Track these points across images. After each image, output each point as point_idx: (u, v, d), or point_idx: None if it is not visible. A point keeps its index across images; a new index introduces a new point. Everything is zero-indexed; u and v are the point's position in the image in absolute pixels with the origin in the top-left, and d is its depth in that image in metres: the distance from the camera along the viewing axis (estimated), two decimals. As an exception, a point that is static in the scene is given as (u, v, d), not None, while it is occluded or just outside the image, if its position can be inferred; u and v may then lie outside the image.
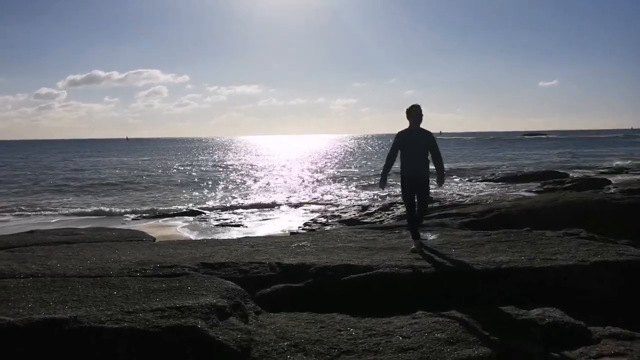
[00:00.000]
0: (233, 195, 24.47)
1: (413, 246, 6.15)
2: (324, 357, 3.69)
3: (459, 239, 6.86)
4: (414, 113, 6.28)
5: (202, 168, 45.47)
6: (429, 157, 6.36)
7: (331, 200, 21.85)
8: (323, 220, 14.82)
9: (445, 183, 6.59)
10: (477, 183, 26.84)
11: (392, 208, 14.53)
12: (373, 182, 28.78)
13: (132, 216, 17.85)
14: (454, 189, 24.00)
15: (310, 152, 77.97)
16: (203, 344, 3.59)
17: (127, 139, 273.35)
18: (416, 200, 6.41)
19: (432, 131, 6.43)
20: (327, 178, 32.98)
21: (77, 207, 20.44)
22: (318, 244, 6.76)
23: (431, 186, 6.48)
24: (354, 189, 26.59)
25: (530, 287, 5.04)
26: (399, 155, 6.38)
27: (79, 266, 5.37)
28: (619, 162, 37.11)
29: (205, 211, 18.42)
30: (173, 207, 19.67)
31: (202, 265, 5.49)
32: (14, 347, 3.47)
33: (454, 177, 30.39)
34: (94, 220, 16.88)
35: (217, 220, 16.35)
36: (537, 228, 7.75)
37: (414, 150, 6.29)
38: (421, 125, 6.35)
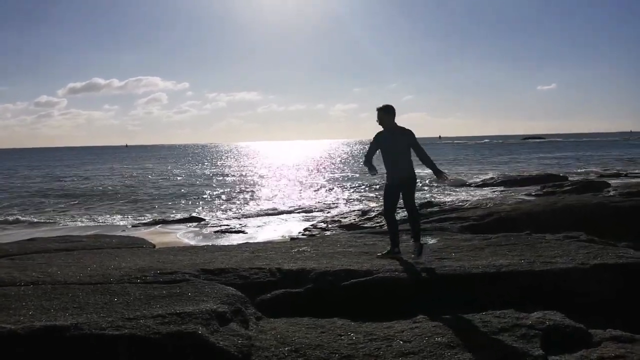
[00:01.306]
0: (233, 201, 24.47)
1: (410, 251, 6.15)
2: (325, 362, 3.69)
3: (459, 243, 6.86)
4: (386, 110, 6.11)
5: (202, 174, 45.48)
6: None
7: (331, 205, 21.86)
8: (323, 225, 14.81)
9: (445, 184, 6.34)
10: (477, 187, 26.84)
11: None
12: (376, 187, 28.80)
13: (132, 223, 17.84)
14: (454, 192, 24.01)
15: (310, 157, 78.04)
16: (204, 350, 3.60)
17: (126, 146, 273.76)
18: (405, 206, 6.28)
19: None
20: (326, 183, 32.99)
21: (77, 214, 20.44)
22: (318, 249, 6.77)
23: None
24: (353, 193, 26.59)
25: (530, 291, 5.05)
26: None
27: (79, 273, 5.38)
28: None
29: (205, 217, 18.42)
30: (173, 214, 19.68)
31: (202, 272, 5.50)
32: (15, 355, 3.47)
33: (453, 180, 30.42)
34: (94, 228, 16.89)
35: (217, 226, 16.35)
36: (537, 231, 7.76)
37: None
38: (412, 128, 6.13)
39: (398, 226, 6.34)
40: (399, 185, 6.17)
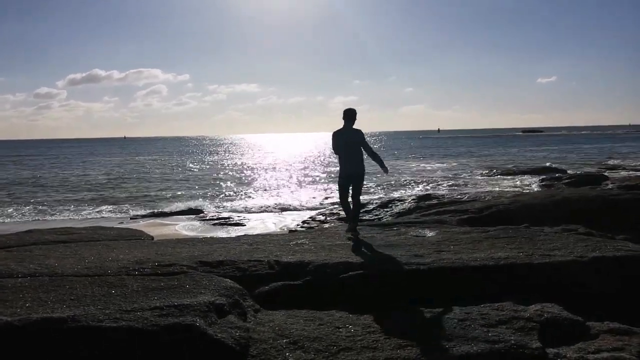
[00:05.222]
0: (231, 193, 24.45)
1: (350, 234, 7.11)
2: (323, 354, 3.70)
3: (457, 236, 6.86)
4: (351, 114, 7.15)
5: (201, 167, 45.44)
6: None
7: (329, 197, 21.85)
8: (321, 217, 14.80)
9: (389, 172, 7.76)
10: (476, 180, 26.84)
11: (390, 205, 14.51)
12: (374, 179, 28.77)
13: (130, 215, 17.82)
14: (451, 185, 24.01)
15: (309, 150, 77.94)
16: (202, 342, 3.59)
17: (124, 138, 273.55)
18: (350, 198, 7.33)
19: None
20: (325, 175, 32.98)
21: (74, 206, 20.41)
22: (316, 242, 6.76)
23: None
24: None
25: (528, 283, 5.05)
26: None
27: (77, 265, 5.37)
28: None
29: (203, 210, 18.39)
30: (171, 206, 19.64)
31: (200, 264, 5.48)
32: (12, 347, 3.46)
33: (452, 173, 30.44)
34: (92, 220, 16.86)
35: (215, 218, 16.32)
36: (535, 224, 7.76)
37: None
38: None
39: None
40: (349, 177, 7.23)
